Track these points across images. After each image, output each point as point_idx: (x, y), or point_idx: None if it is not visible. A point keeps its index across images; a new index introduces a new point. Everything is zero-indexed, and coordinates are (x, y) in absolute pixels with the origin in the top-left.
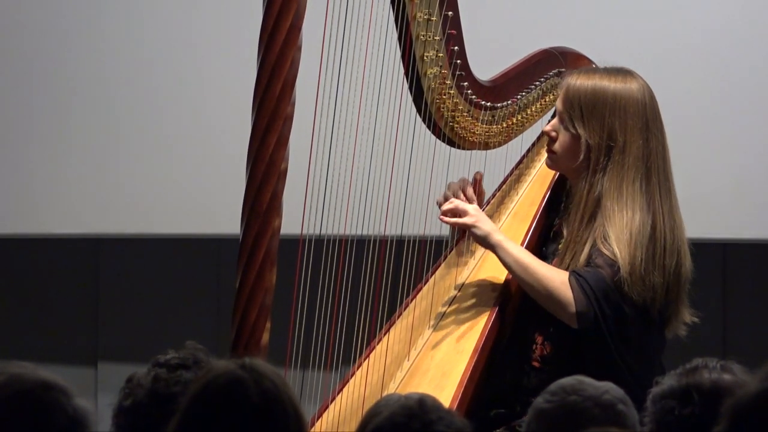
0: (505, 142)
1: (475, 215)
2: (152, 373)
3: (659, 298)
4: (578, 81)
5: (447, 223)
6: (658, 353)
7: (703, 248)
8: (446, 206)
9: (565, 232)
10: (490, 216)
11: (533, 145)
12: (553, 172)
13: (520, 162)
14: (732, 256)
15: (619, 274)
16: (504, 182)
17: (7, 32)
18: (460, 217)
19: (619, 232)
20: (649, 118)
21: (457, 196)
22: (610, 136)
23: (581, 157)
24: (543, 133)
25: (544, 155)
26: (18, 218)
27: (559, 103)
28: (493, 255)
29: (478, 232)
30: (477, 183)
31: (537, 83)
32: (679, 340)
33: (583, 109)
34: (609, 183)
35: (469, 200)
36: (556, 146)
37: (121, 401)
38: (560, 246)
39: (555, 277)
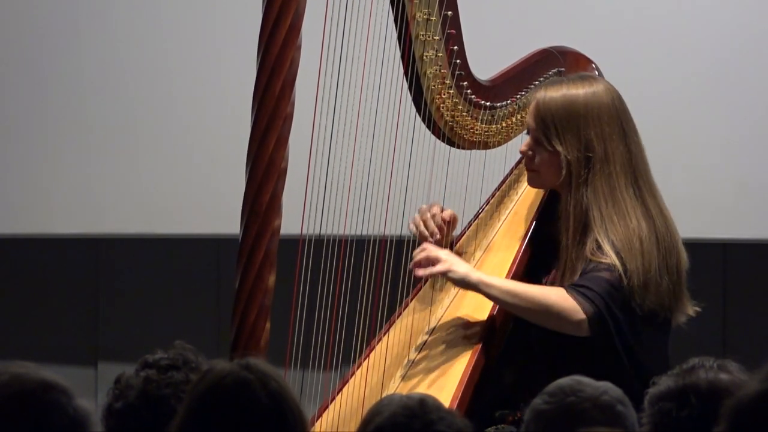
0: (505, 141)
1: (447, 260)
2: (142, 374)
3: (670, 301)
4: (547, 96)
5: (420, 276)
6: (665, 349)
7: (703, 248)
8: (418, 255)
9: (561, 247)
10: (487, 223)
11: None
12: None
13: (515, 166)
14: (732, 256)
15: (618, 274)
16: (500, 186)
17: (7, 33)
18: (433, 265)
19: (624, 239)
20: (623, 119)
21: (426, 222)
22: (588, 147)
23: (563, 172)
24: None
25: None
26: (18, 218)
27: (531, 121)
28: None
29: (454, 276)
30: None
31: (536, 83)
32: (680, 341)
33: (557, 126)
34: (596, 194)
35: (445, 222)
36: (536, 165)
37: (111, 402)
38: (558, 260)
39: (550, 293)
